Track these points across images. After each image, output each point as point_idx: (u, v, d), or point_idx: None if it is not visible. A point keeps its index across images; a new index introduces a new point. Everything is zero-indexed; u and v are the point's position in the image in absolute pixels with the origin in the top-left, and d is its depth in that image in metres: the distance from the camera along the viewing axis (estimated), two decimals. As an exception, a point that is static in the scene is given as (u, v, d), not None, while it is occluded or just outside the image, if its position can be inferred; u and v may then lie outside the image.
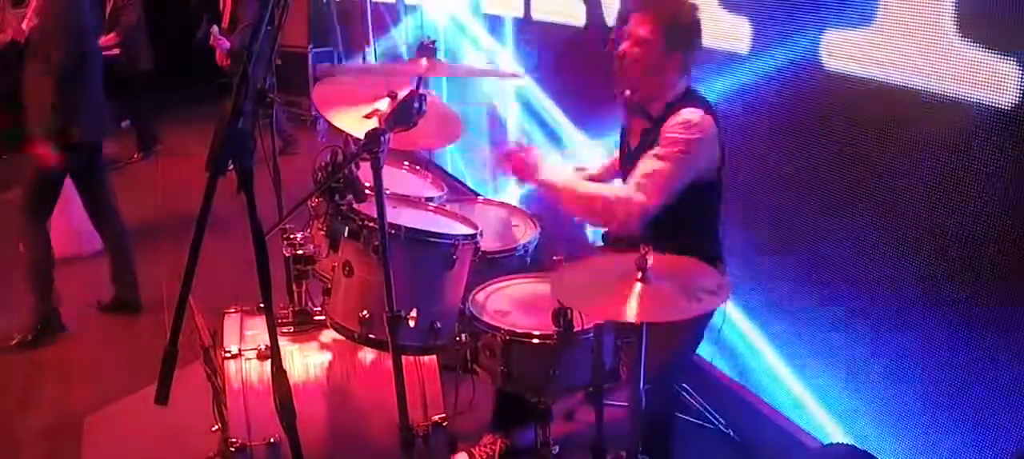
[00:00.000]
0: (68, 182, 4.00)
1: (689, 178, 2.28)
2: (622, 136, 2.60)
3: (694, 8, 2.38)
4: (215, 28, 6.21)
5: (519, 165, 2.37)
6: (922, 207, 2.23)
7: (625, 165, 2.50)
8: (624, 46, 2.35)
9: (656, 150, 2.28)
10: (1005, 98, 1.96)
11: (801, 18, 2.55)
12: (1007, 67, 1.94)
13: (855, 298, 2.51)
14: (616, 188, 2.39)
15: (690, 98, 2.35)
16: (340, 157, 2.15)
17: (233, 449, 2.18)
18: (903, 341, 2.37)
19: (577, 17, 3.92)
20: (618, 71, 2.39)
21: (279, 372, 1.72)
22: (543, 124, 4.39)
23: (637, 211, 2.23)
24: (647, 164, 2.28)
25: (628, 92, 2.42)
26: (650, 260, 1.89)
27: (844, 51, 2.41)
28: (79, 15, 3.66)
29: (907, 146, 2.26)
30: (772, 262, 2.85)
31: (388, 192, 2.22)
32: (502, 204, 2.90)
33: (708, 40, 2.51)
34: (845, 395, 2.62)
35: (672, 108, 2.33)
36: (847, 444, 2.43)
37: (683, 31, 2.34)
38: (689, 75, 2.39)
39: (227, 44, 6.12)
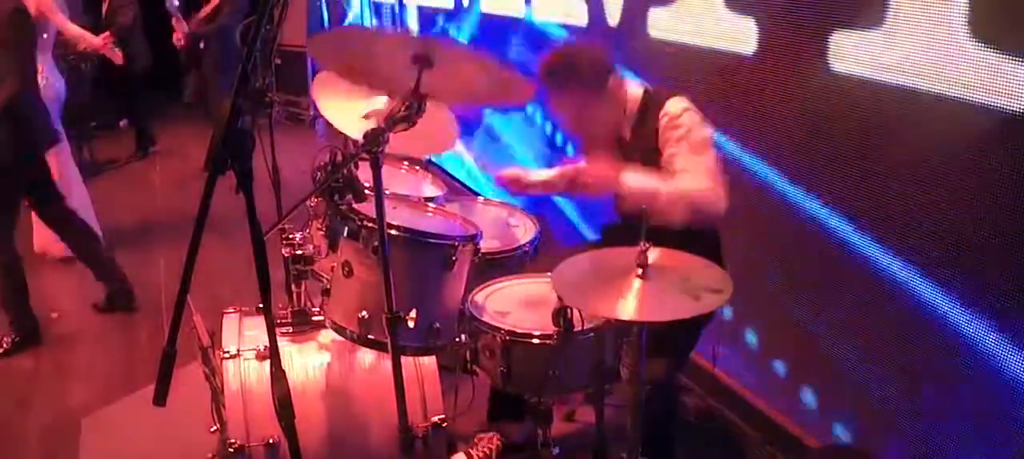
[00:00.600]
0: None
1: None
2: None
3: (584, 45, 2.37)
4: (176, 3, 6.25)
5: (601, 176, 2.24)
6: (929, 211, 2.22)
7: None
8: (559, 120, 2.37)
9: (676, 150, 2.26)
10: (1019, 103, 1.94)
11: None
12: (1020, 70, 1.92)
13: (857, 300, 2.51)
14: (692, 183, 2.25)
15: (658, 96, 2.36)
16: (339, 157, 2.14)
17: (231, 450, 2.17)
18: (905, 343, 2.36)
19: (579, 17, 3.91)
20: (583, 142, 2.44)
21: (278, 372, 1.70)
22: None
23: (723, 205, 2.22)
24: (689, 162, 2.23)
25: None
26: (651, 256, 1.87)
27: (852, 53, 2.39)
28: (28, 34, 3.63)
29: (915, 150, 2.24)
30: (775, 262, 2.84)
31: (387, 192, 2.21)
32: (502, 204, 2.89)
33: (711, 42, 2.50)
34: (846, 396, 2.62)
35: (645, 113, 2.34)
36: (847, 445, 2.42)
37: (597, 68, 2.33)
38: (624, 79, 2.39)
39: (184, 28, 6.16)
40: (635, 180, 2.23)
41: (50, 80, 4.43)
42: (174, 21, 6.38)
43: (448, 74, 1.97)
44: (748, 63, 2.80)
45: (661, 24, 3.23)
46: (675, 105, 2.30)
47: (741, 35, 2.80)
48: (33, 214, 4.54)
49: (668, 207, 2.16)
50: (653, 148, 2.30)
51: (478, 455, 2.62)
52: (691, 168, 2.23)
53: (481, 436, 2.65)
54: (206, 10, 6.49)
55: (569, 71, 2.32)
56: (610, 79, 2.34)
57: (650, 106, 2.34)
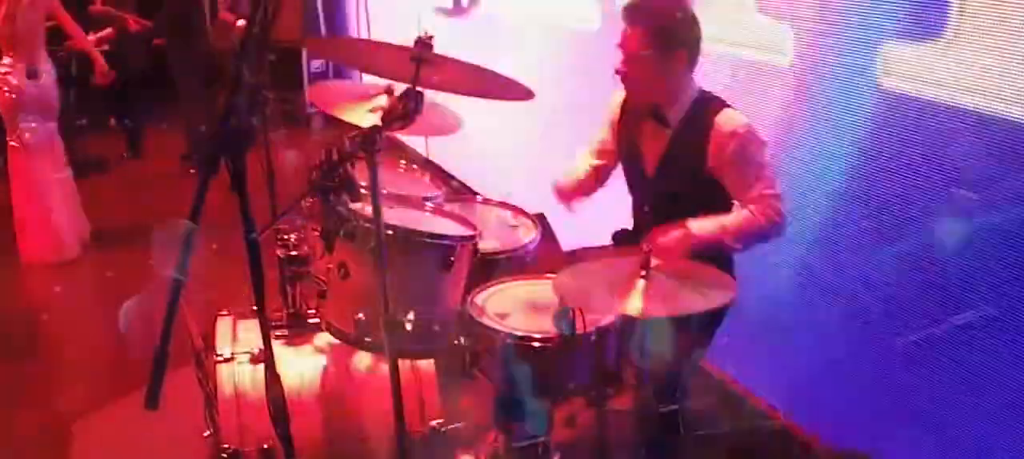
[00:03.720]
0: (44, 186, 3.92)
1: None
2: (623, 146, 2.54)
3: (683, 3, 2.34)
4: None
5: (674, 245, 2.23)
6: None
7: (644, 179, 2.46)
8: (620, 65, 2.33)
9: (747, 171, 2.25)
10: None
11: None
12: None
13: (865, 305, 2.48)
14: (752, 212, 2.26)
15: (711, 101, 2.32)
16: (335, 156, 2.10)
17: (225, 455, 2.13)
18: (912, 347, 2.33)
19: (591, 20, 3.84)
20: (625, 89, 2.38)
21: (272, 377, 1.66)
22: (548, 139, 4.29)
23: (785, 225, 2.25)
24: (755, 185, 2.24)
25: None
26: (655, 260, 1.85)
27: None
28: None
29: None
30: (781, 264, 2.81)
31: (384, 192, 2.17)
32: (502, 204, 2.84)
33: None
34: (858, 401, 2.59)
35: (697, 116, 2.30)
36: (851, 449, 2.39)
37: (677, 28, 2.29)
38: (693, 72, 2.35)
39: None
40: (701, 229, 2.24)
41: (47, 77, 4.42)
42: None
43: (445, 71, 1.94)
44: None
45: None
46: (737, 119, 2.27)
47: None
48: (16, 223, 4.49)
49: (734, 242, 2.23)
50: (700, 154, 2.27)
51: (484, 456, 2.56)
52: (755, 199, 2.23)
53: (485, 439, 2.60)
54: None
55: (655, 15, 2.28)
56: (690, 50, 2.30)
57: (704, 108, 2.31)
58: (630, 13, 2.31)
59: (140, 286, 4.11)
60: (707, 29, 2.33)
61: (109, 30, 6.29)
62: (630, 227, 2.57)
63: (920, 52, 2.26)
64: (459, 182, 5.20)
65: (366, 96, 2.46)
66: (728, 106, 2.31)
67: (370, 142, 1.87)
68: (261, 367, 2.09)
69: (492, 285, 2.33)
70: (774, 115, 2.79)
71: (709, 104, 2.31)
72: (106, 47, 6.30)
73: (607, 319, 2.01)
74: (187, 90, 6.35)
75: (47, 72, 4.51)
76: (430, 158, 5.47)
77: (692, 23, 2.32)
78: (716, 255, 2.16)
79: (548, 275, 2.26)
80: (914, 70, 2.29)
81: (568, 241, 2.80)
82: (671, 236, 2.22)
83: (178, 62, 6.27)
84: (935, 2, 2.20)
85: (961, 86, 2.16)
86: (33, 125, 4.49)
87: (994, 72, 2.06)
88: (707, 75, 2.54)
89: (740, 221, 2.24)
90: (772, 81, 2.82)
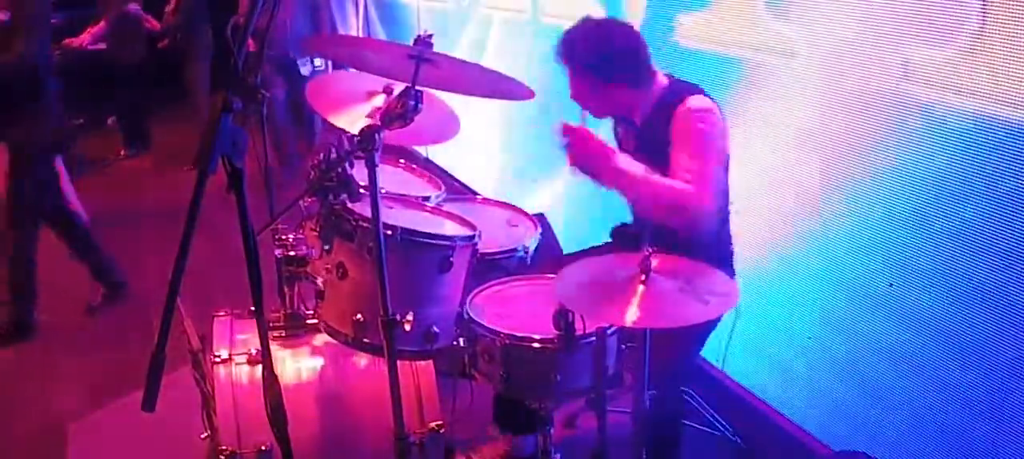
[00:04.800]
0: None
1: (721, 166, 2.23)
2: (616, 141, 2.55)
3: (614, 28, 2.31)
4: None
5: (593, 148, 2.16)
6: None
7: None
8: (570, 92, 2.34)
9: (683, 146, 2.19)
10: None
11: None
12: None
13: (871, 308, 2.46)
14: (677, 183, 2.19)
15: (683, 89, 2.30)
16: (334, 155, 2.08)
17: (223, 456, 2.12)
18: (916, 350, 2.32)
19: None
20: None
21: (270, 377, 1.65)
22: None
23: (705, 209, 2.14)
24: (684, 160, 2.17)
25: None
26: (655, 262, 1.83)
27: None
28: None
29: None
30: (785, 267, 2.79)
31: (383, 191, 2.15)
32: (502, 204, 2.83)
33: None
34: (857, 401, 2.57)
35: (664, 106, 2.28)
36: (858, 451, 2.38)
37: (606, 63, 2.26)
38: (653, 76, 2.33)
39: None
40: (624, 161, 2.17)
41: None
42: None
43: (444, 71, 1.93)
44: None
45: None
46: (700, 101, 2.24)
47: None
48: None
49: (648, 199, 2.15)
50: (666, 140, 2.24)
51: None
52: (686, 167, 2.17)
53: (486, 446, 2.59)
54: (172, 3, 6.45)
55: (584, 52, 2.27)
56: (631, 73, 2.28)
57: (671, 97, 2.28)
58: (557, 51, 2.30)
59: (139, 284, 4.13)
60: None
61: (102, 25, 6.28)
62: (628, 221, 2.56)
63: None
64: (459, 182, 5.19)
65: (364, 95, 2.46)
66: (700, 93, 2.28)
67: (368, 142, 1.85)
68: (259, 368, 2.09)
69: (492, 285, 2.32)
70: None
71: (678, 93, 2.28)
72: (101, 45, 6.28)
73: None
74: (194, 90, 6.40)
75: None
76: (430, 158, 5.47)
77: (621, 53, 2.27)
78: (714, 254, 2.14)
79: (548, 275, 2.25)
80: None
81: (568, 241, 2.79)
82: (596, 145, 2.15)
83: (187, 63, 6.34)
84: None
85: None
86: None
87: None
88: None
89: (670, 186, 2.14)
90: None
